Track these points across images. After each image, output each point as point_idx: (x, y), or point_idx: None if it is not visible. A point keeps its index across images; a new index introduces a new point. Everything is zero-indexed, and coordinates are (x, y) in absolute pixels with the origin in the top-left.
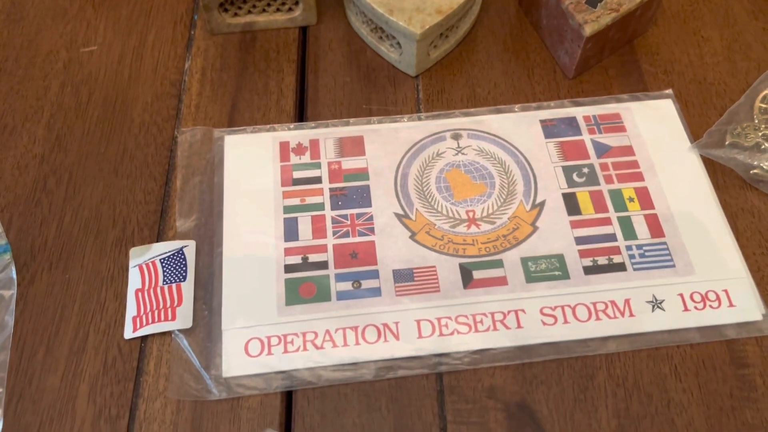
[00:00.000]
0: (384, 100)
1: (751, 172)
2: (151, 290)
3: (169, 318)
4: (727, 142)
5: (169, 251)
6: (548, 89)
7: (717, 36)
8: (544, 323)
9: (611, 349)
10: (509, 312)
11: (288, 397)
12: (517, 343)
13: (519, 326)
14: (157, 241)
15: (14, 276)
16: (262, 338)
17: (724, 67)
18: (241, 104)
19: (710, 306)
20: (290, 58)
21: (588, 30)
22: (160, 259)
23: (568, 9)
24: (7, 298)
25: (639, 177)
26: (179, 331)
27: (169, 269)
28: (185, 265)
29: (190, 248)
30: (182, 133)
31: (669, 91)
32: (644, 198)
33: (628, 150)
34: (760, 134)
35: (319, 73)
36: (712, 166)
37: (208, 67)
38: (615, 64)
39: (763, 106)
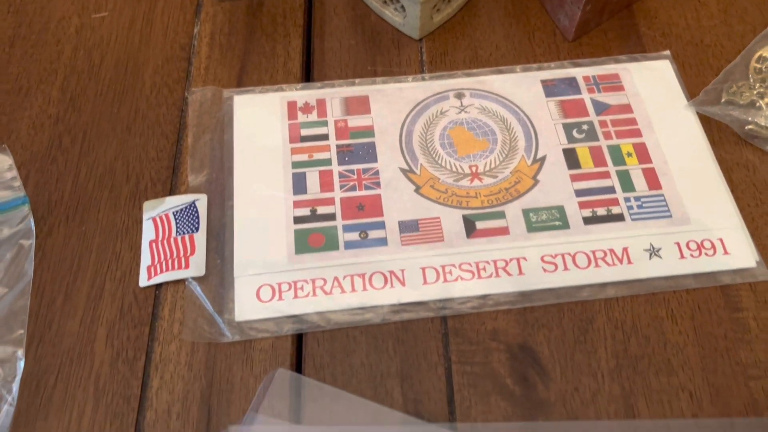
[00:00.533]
0: (389, 62)
1: (746, 128)
2: (165, 241)
3: (183, 266)
4: (722, 100)
5: (182, 204)
6: (548, 51)
7: (714, 0)
8: (545, 270)
9: (610, 295)
10: (511, 260)
11: (298, 339)
12: (518, 289)
13: (521, 273)
14: (170, 195)
15: (33, 227)
16: (273, 285)
17: (721, 30)
18: (250, 67)
19: (706, 254)
20: (296, 22)
21: None
22: (173, 212)
23: None
24: (27, 247)
25: (637, 133)
26: (193, 278)
27: (182, 221)
28: (197, 217)
29: (202, 201)
30: (192, 93)
31: (666, 52)
32: (642, 153)
33: (627, 108)
34: (755, 92)
35: (324, 37)
36: (708, 123)
37: (217, 31)
38: (614, 27)
39: (758, 66)
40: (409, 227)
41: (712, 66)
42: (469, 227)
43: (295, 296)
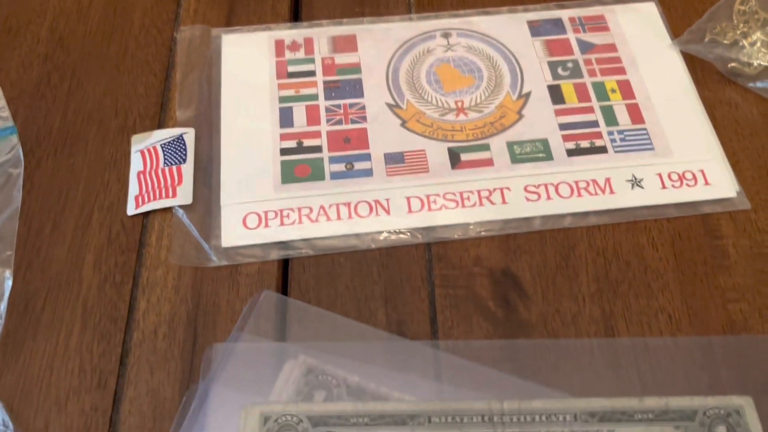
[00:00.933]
0: (376, 3)
1: (729, 65)
2: (153, 172)
3: (170, 195)
4: (706, 39)
5: (170, 137)
6: None
7: None
8: (528, 199)
9: (592, 223)
10: (495, 189)
11: (284, 265)
12: (501, 217)
13: (504, 202)
14: (158, 129)
15: (21, 156)
16: (259, 212)
17: None
18: (238, 8)
19: (687, 184)
20: None
21: None
22: (161, 144)
23: None
24: (15, 175)
25: (621, 71)
26: (180, 206)
27: (170, 153)
28: (185, 149)
29: (189, 135)
30: (181, 32)
31: None
32: (626, 89)
33: (612, 47)
34: (738, 32)
35: None
36: (692, 62)
37: None
38: None
39: (742, 8)
40: (394, 159)
41: (697, 9)
42: (454, 159)
43: (282, 224)
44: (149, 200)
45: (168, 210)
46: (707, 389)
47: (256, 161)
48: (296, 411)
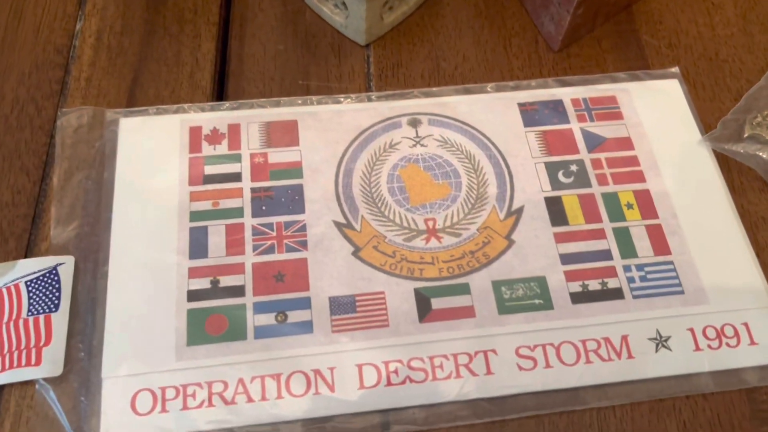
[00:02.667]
0: (326, 75)
1: None
2: (11, 323)
3: (33, 362)
4: (745, 135)
5: (39, 270)
6: (529, 64)
7: (730, 2)
8: (521, 368)
9: (604, 402)
10: (477, 353)
11: None
12: (486, 395)
13: (489, 372)
14: (26, 256)
15: None
16: (154, 390)
17: (740, 40)
18: (145, 78)
19: (727, 344)
20: (210, 19)
21: None
22: (26, 281)
23: None
24: None
25: (639, 177)
26: (44, 380)
27: (38, 295)
28: (59, 290)
29: (66, 266)
30: (65, 115)
31: (675, 69)
32: (646, 204)
33: (626, 142)
34: None
35: (245, 39)
36: (727, 164)
37: (106, 29)
38: (610, 35)
39: None
40: (342, 306)
41: (731, 87)
42: (423, 307)
43: (185, 407)
44: (4, 368)
45: (29, 384)
46: None
47: (154, 310)
48: None
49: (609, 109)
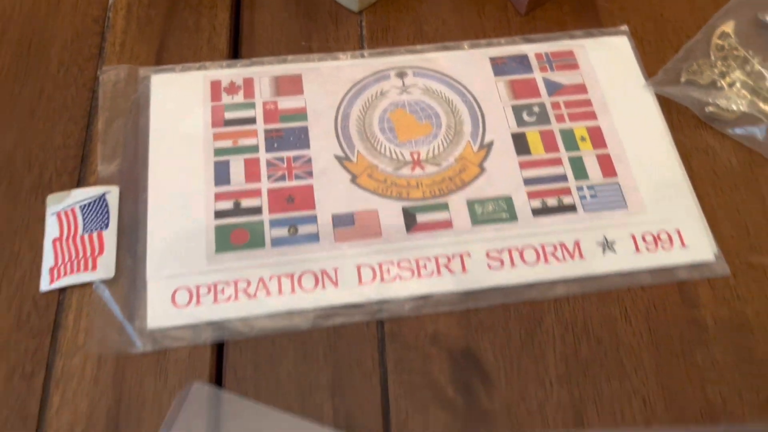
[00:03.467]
0: (325, 38)
1: (706, 110)
2: (70, 239)
3: (90, 268)
4: (682, 80)
5: (90, 197)
6: (499, 26)
7: None
8: (490, 267)
9: (560, 293)
10: (454, 256)
11: (219, 348)
12: (461, 288)
13: (464, 270)
14: (77, 188)
15: None
16: (190, 287)
17: (682, 4)
18: (170, 43)
19: (662, 247)
20: None
21: None
22: (80, 206)
23: None
24: None
25: (592, 116)
26: (101, 281)
27: (90, 216)
28: (107, 212)
29: (112, 194)
30: (105, 73)
31: (624, 27)
32: (597, 137)
33: (581, 88)
34: (716, 71)
35: (255, 9)
36: (667, 105)
37: (135, 3)
38: (569, 0)
39: (720, 42)
40: (343, 221)
41: (672, 42)
42: (410, 220)
43: (215, 300)
44: (66, 273)
45: (87, 285)
46: None
47: (187, 226)
48: None
49: (567, 61)
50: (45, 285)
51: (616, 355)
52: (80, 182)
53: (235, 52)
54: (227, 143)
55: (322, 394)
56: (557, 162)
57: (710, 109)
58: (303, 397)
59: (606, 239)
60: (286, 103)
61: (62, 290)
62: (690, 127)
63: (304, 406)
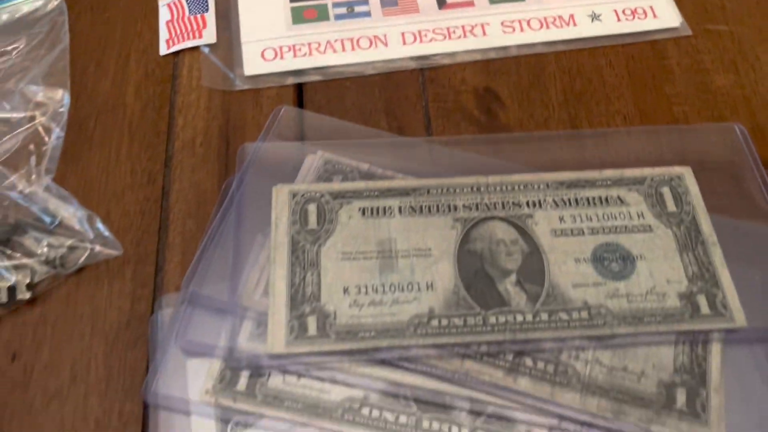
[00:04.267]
0: None
1: None
2: (180, 20)
3: (197, 37)
4: None
5: None
6: None
7: None
8: (505, 32)
9: (559, 49)
10: (476, 25)
11: (299, 88)
12: (482, 46)
13: (485, 35)
14: None
15: (65, 7)
16: (275, 47)
17: None
18: None
19: (638, 18)
20: None
21: None
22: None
23: None
24: (61, 21)
25: None
26: (206, 45)
27: (194, 3)
28: (207, 0)
29: None
30: None
31: None
32: None
33: None
34: None
35: None
36: None
37: None
38: None
39: None
40: (389, 2)
41: None
42: (440, 1)
43: (295, 56)
44: (179, 41)
45: (196, 49)
46: (654, 165)
47: (270, 8)
48: (318, 188)
49: None
50: (163, 50)
51: (603, 90)
52: None
53: None
54: None
55: (379, 115)
56: None
57: None
58: (365, 117)
59: (594, 13)
60: None
61: (177, 53)
62: None
63: (366, 123)
